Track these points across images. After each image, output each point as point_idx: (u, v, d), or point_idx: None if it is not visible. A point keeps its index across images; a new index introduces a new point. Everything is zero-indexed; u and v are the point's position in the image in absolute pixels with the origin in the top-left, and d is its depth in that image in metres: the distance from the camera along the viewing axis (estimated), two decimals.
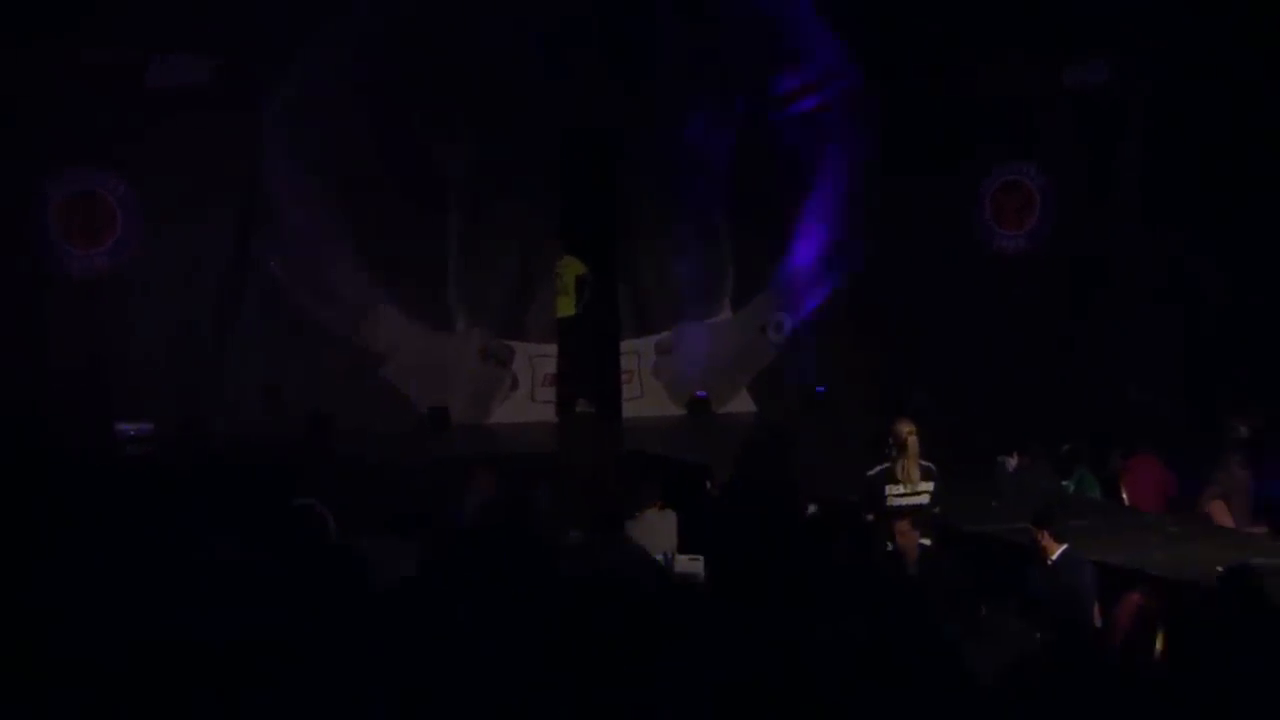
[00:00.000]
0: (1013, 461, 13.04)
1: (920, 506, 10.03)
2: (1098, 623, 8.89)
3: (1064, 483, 13.41)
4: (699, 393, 16.51)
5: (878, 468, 10.18)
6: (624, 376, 16.42)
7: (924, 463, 10.16)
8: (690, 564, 10.16)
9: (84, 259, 14.72)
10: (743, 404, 16.75)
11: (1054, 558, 9.02)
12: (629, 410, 16.31)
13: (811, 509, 11.09)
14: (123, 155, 14.70)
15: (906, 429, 10.20)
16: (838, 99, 16.81)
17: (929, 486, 10.11)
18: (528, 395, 16.14)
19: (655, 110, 16.24)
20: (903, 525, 9.55)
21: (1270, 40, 16.14)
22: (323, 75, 15.28)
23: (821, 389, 16.70)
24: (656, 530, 11.03)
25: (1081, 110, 17.57)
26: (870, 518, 10.21)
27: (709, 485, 10.94)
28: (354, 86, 15.36)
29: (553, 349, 16.21)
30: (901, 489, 10.07)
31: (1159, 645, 8.60)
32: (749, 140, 16.53)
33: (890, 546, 9.74)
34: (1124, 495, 12.98)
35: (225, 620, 9.76)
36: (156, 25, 14.56)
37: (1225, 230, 16.61)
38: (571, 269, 16.29)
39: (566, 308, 16.32)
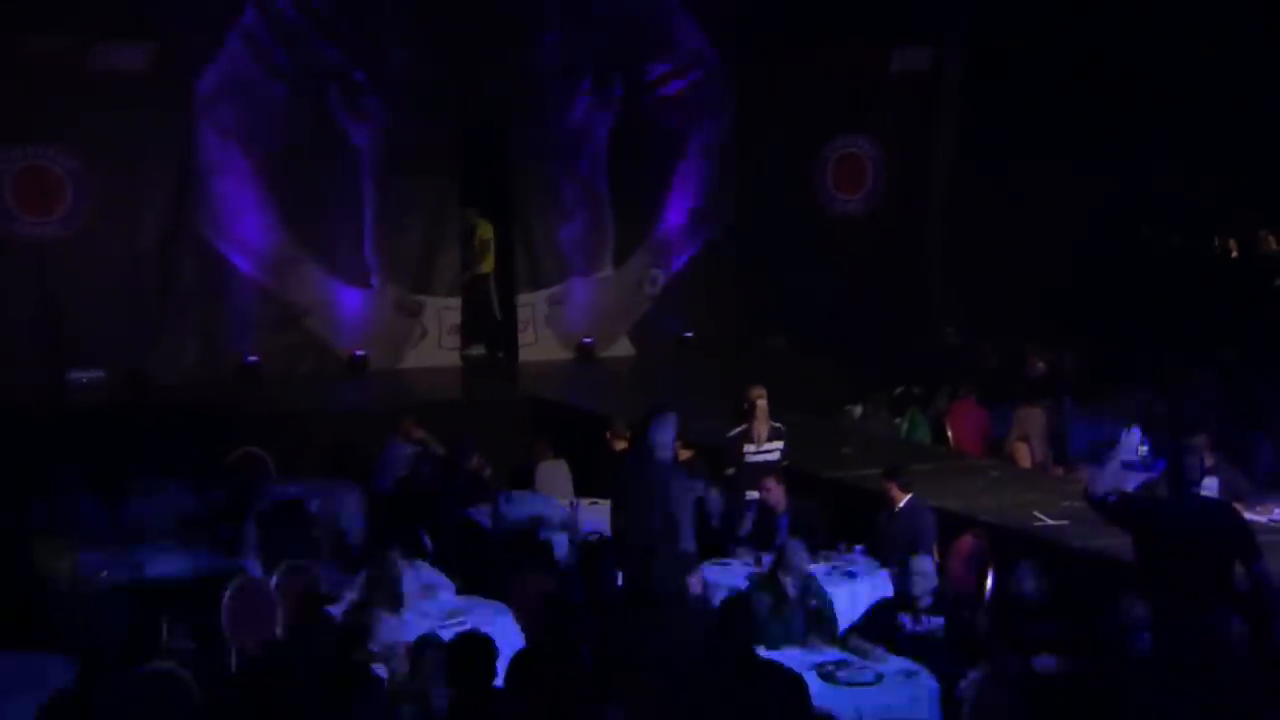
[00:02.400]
0: (858, 410, 13.35)
1: (771, 463, 10.29)
2: (936, 561, 9.17)
3: (896, 420, 13.76)
4: (585, 339, 16.52)
5: (736, 429, 10.43)
6: (520, 325, 16.43)
7: (774, 424, 10.44)
8: (592, 509, 10.37)
9: (37, 226, 14.40)
10: (623, 348, 16.81)
11: (900, 505, 9.31)
12: (525, 355, 16.33)
13: (685, 455, 11.26)
14: (69, 133, 14.38)
15: (757, 394, 10.47)
16: (701, 82, 16.78)
17: (778, 445, 10.40)
18: (435, 343, 16.00)
19: (543, 96, 16.15)
20: (769, 481, 9.74)
21: (1064, 31, 16.55)
22: (249, 60, 15.02)
23: (690, 334, 16.80)
24: (554, 480, 11.21)
25: (906, 91, 17.75)
26: (731, 472, 10.47)
27: (608, 435, 10.85)
28: (276, 70, 15.14)
29: (457, 302, 16.12)
30: (754, 447, 10.35)
31: (988, 582, 8.92)
32: (626, 120, 16.48)
33: (752, 496, 10.01)
34: (949, 434, 13.36)
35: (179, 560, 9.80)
36: (97, 14, 14.27)
37: (1029, 189, 16.97)
38: (484, 232, 16.29)
39: (488, 265, 16.38)
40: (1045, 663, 7.11)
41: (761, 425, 10.37)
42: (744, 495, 10.10)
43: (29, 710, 6.37)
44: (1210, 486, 9.78)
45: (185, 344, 15.06)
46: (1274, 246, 15.73)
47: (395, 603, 7.94)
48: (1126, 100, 16.54)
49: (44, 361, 14.34)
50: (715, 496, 10.13)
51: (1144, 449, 7.91)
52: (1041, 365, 15.20)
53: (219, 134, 15.03)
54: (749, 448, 10.34)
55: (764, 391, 10.49)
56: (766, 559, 8.86)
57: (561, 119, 16.26)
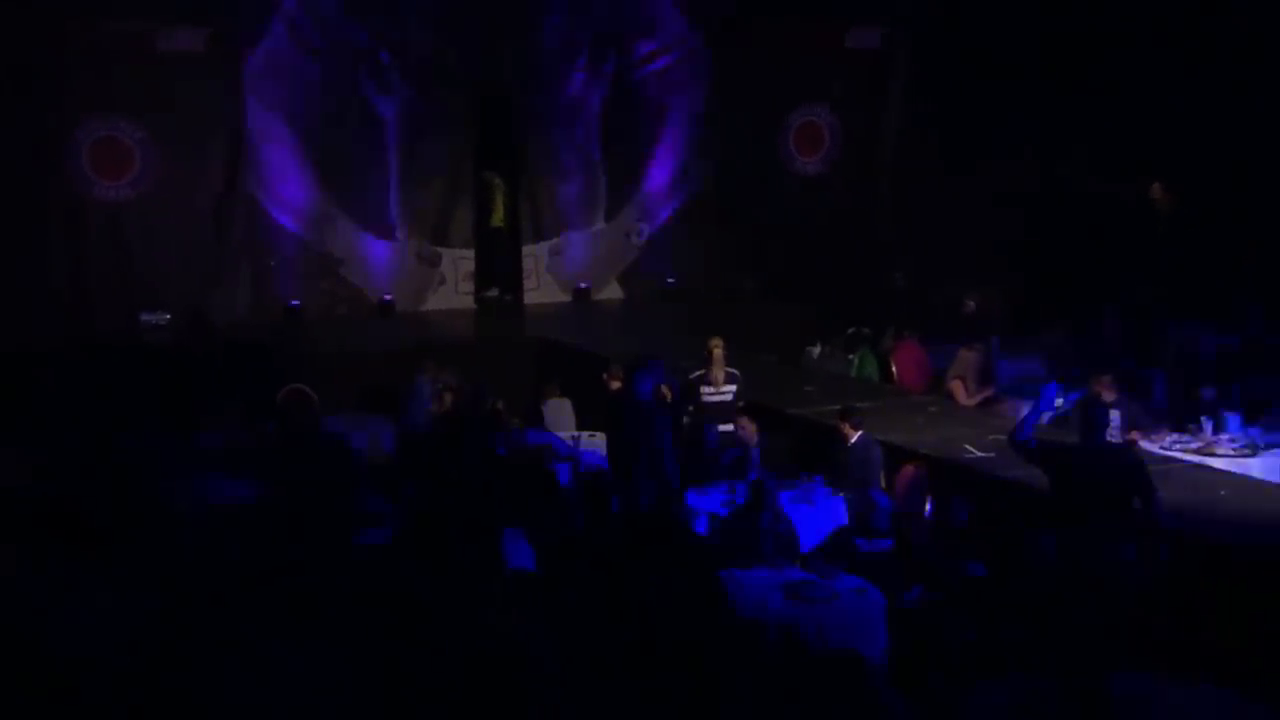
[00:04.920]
0: (817, 350, 13.46)
1: (727, 403, 10.49)
2: (884, 489, 9.37)
3: (850, 357, 13.89)
4: (581, 284, 16.67)
5: (695, 373, 10.61)
6: (525, 273, 16.54)
7: (729, 369, 10.59)
8: (591, 441, 10.58)
9: (111, 188, 14.52)
10: (614, 292, 16.95)
11: (852, 441, 9.49)
12: (529, 298, 16.45)
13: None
14: (138, 106, 14.45)
15: (714, 343, 10.65)
16: (682, 59, 16.82)
17: (732, 387, 10.55)
18: (452, 288, 16.15)
19: (545, 71, 16.20)
20: (743, 420, 9.92)
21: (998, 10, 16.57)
22: (290, 43, 15.09)
23: (672, 279, 16.92)
24: (560, 416, 11.37)
25: (860, 65, 17.77)
26: (691, 409, 10.63)
27: (605, 376, 10.87)
28: (314, 51, 15.20)
29: (470, 253, 16.23)
30: (711, 389, 10.54)
31: (927, 506, 9.16)
32: (616, 92, 16.53)
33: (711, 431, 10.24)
34: (894, 371, 13.51)
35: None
36: (164, 2, 14.34)
37: (968, 150, 17.01)
38: (500, 191, 16.40)
39: (498, 220, 16.45)
40: (975, 569, 7.35)
41: (718, 370, 10.52)
42: (703, 430, 10.31)
43: None
44: (1113, 419, 10.05)
45: (238, 291, 15.21)
46: (1159, 195, 15.79)
47: None
48: (1054, 69, 16.56)
49: (119, 305, 14.52)
50: (713, 432, 10.24)
51: (1060, 401, 8.10)
52: (971, 305, 15.32)
53: (265, 107, 15.07)
54: (706, 389, 10.52)
55: (721, 341, 10.64)
56: (740, 486, 9.08)
57: (561, 92, 16.30)
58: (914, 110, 17.64)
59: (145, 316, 14.50)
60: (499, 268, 16.60)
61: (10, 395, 11.72)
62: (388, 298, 15.77)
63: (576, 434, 10.78)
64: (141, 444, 10.38)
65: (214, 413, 11.37)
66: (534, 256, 16.56)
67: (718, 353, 10.53)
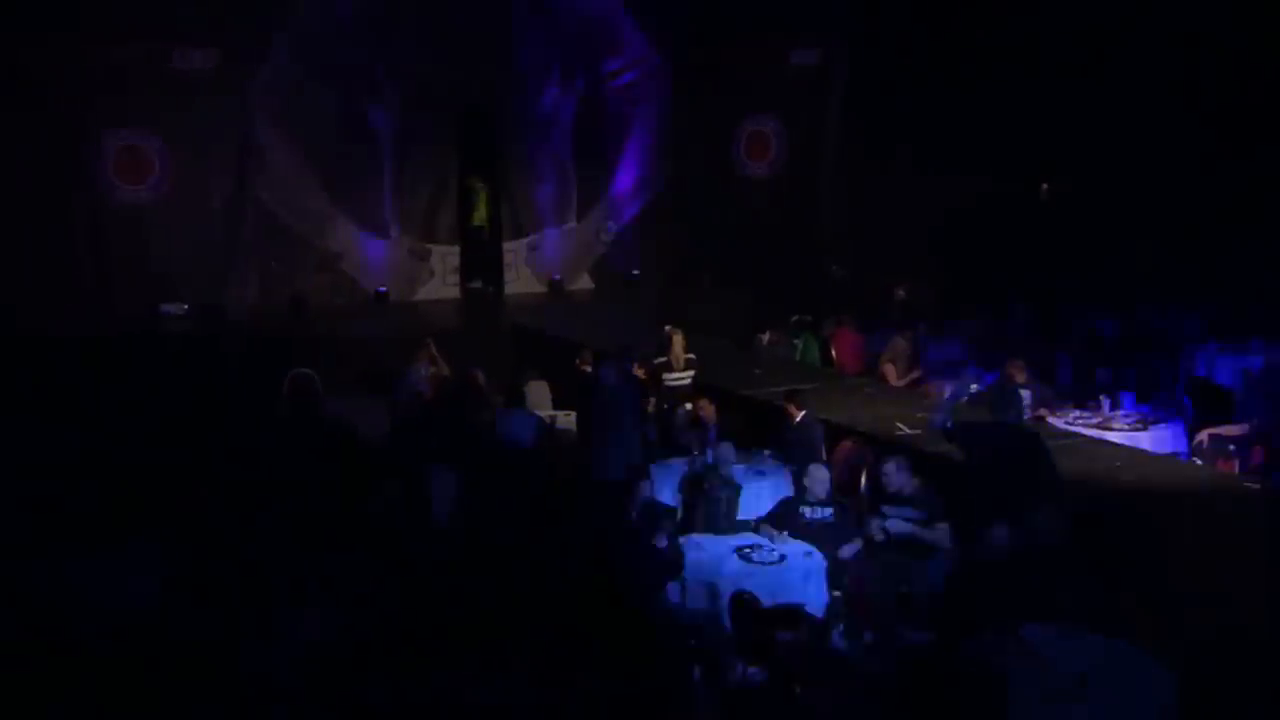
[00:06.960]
0: (766, 336, 13.59)
1: (686, 386, 10.61)
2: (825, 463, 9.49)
3: (794, 342, 14.03)
4: (555, 276, 16.78)
5: (658, 359, 10.71)
6: (505, 266, 16.65)
7: (688, 355, 10.71)
8: (566, 419, 10.70)
9: (133, 193, 14.58)
10: (585, 283, 17.08)
11: (797, 420, 9.50)
12: (509, 289, 16.58)
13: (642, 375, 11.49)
14: (157, 118, 14.51)
15: (673, 332, 10.77)
16: (644, 75, 16.96)
17: (690, 372, 10.68)
18: (440, 280, 16.26)
19: (522, 86, 16.29)
20: (703, 401, 10.04)
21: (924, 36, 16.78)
22: (293, 61, 15.13)
23: (636, 272, 17.07)
24: (539, 396, 11.47)
25: (802, 81, 17.93)
26: (656, 391, 10.71)
27: (577, 361, 11.07)
28: (315, 68, 15.23)
29: (456, 249, 16.32)
30: (673, 374, 10.66)
31: (863, 479, 9.33)
32: (586, 105, 16.65)
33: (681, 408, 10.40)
34: (833, 355, 13.68)
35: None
36: (177, 24, 14.35)
37: (897, 157, 17.19)
38: (482, 194, 16.47)
39: (480, 219, 16.53)
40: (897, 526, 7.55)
41: (678, 356, 10.70)
42: (667, 409, 10.45)
43: None
44: (1024, 398, 10.24)
45: (248, 283, 15.26)
46: (1044, 194, 16.04)
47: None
48: (970, 85, 16.80)
49: (140, 298, 14.53)
50: (681, 413, 10.34)
51: (975, 386, 8.27)
52: (901, 294, 15.49)
53: (271, 119, 15.13)
54: (669, 375, 10.65)
55: (681, 330, 10.81)
56: (699, 459, 9.19)
57: (536, 106, 16.41)
58: (850, 120, 17.80)
59: (165, 308, 14.54)
60: (482, 262, 16.69)
61: (41, 379, 11.76)
62: (382, 289, 15.84)
63: (554, 413, 10.89)
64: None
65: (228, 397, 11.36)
66: (513, 252, 16.66)
67: (677, 339, 10.67)
